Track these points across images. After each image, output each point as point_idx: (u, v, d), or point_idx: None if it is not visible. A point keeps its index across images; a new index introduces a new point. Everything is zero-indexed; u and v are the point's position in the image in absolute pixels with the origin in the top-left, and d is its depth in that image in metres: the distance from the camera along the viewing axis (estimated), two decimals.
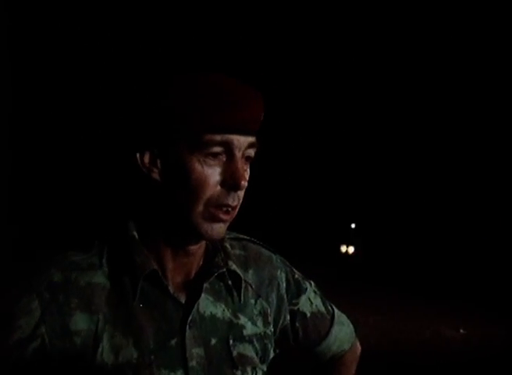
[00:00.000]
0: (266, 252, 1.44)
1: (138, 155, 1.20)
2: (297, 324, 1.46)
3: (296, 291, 1.46)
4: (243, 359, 1.29)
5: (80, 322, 1.17)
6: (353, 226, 20.65)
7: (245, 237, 1.44)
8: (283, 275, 1.44)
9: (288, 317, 1.44)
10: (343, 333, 1.56)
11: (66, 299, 1.17)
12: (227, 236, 1.37)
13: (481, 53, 12.71)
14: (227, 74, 1.21)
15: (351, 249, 20.63)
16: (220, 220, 1.19)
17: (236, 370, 1.27)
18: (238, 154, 1.18)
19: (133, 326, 1.19)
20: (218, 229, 1.20)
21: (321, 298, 1.53)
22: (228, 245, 1.35)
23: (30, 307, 1.15)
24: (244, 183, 1.18)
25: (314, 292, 1.51)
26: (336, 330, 1.53)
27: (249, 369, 1.29)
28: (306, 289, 1.48)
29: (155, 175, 1.20)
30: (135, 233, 1.23)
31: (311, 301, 1.48)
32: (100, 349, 1.17)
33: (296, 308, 1.45)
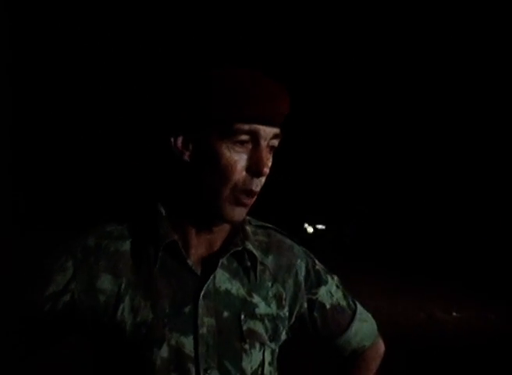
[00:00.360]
0: (289, 242, 1.52)
1: (172, 138, 1.30)
2: (315, 314, 1.52)
3: (315, 281, 1.52)
4: (252, 334, 1.37)
5: (106, 282, 1.31)
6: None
7: (271, 226, 1.52)
8: (303, 264, 1.51)
9: (305, 305, 1.51)
10: (364, 330, 1.60)
11: (96, 262, 1.31)
12: (254, 223, 1.48)
13: (481, 53, 12.78)
14: (258, 70, 1.30)
15: (310, 229, 20.94)
16: (243, 204, 1.30)
17: (244, 343, 1.35)
18: (263, 143, 1.28)
19: (152, 291, 1.30)
20: (239, 212, 1.31)
21: (344, 293, 1.59)
22: (248, 228, 1.43)
23: (66, 265, 1.30)
24: (266, 170, 1.28)
25: (337, 286, 1.57)
26: (356, 325, 1.58)
27: (257, 345, 1.37)
28: (326, 281, 1.54)
29: (186, 158, 1.30)
30: (162, 210, 1.35)
31: (331, 293, 1.54)
32: (120, 308, 1.29)
33: (314, 297, 1.51)
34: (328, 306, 1.53)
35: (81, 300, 1.29)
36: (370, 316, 1.66)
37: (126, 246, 1.34)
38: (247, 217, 1.47)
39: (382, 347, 1.69)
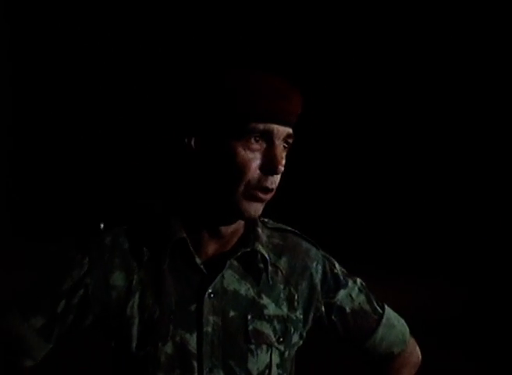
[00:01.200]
0: (306, 244, 1.50)
1: (186, 139, 1.33)
2: (334, 318, 1.48)
3: (333, 284, 1.48)
4: (259, 335, 1.36)
5: (119, 279, 1.36)
6: None
7: (288, 228, 1.52)
8: (319, 267, 1.48)
9: (322, 308, 1.47)
10: (392, 336, 1.54)
11: (111, 259, 1.37)
12: (270, 226, 1.49)
13: (481, 53, 13.07)
14: (272, 72, 1.33)
15: None
16: (259, 200, 1.31)
17: (249, 344, 1.35)
18: (277, 142, 1.29)
19: (160, 289, 1.34)
20: (255, 207, 1.32)
21: (368, 297, 1.53)
22: (260, 230, 1.43)
23: (82, 262, 1.37)
24: (281, 168, 1.29)
25: (359, 290, 1.52)
26: (382, 331, 1.52)
27: (264, 346, 1.36)
28: (346, 285, 1.50)
29: (200, 158, 1.33)
30: (175, 209, 1.39)
31: (352, 297, 1.50)
32: (130, 304, 1.34)
33: (333, 301, 1.48)
34: (348, 310, 1.49)
35: (94, 295, 1.35)
36: (402, 321, 1.58)
37: (140, 244, 1.38)
38: (265, 219, 1.48)
39: (414, 354, 1.61)
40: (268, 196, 1.33)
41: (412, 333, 1.61)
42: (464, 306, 9.09)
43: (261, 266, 1.40)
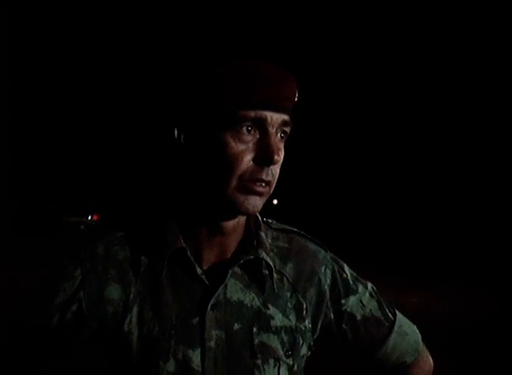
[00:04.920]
0: (313, 247, 1.41)
1: (176, 131, 1.24)
2: (345, 326, 1.39)
3: (343, 290, 1.40)
4: (265, 349, 1.27)
5: (114, 292, 1.26)
6: (275, 202, 21.29)
7: (294, 229, 1.42)
8: (328, 271, 1.39)
9: (332, 316, 1.39)
10: (404, 345, 1.45)
11: (105, 270, 1.27)
12: (275, 227, 1.39)
13: (481, 54, 12.98)
14: (263, 59, 1.22)
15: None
16: (255, 193, 1.20)
17: (255, 359, 1.26)
18: (271, 130, 1.19)
19: (159, 302, 1.25)
20: (254, 201, 1.20)
21: (379, 303, 1.45)
22: (263, 234, 1.34)
23: (74, 274, 1.27)
24: (277, 158, 1.18)
25: (371, 295, 1.44)
26: (394, 339, 1.43)
27: (271, 361, 1.27)
28: (356, 290, 1.42)
29: (191, 151, 1.24)
30: (171, 214, 1.30)
31: (363, 303, 1.41)
32: (128, 319, 1.24)
33: (343, 308, 1.39)
34: (359, 318, 1.40)
35: (89, 310, 1.26)
36: (414, 327, 1.49)
37: (135, 253, 1.29)
38: (268, 220, 1.39)
39: (427, 363, 1.51)
40: (267, 189, 1.22)
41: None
42: (494, 313, 8.98)
43: (266, 272, 1.31)
